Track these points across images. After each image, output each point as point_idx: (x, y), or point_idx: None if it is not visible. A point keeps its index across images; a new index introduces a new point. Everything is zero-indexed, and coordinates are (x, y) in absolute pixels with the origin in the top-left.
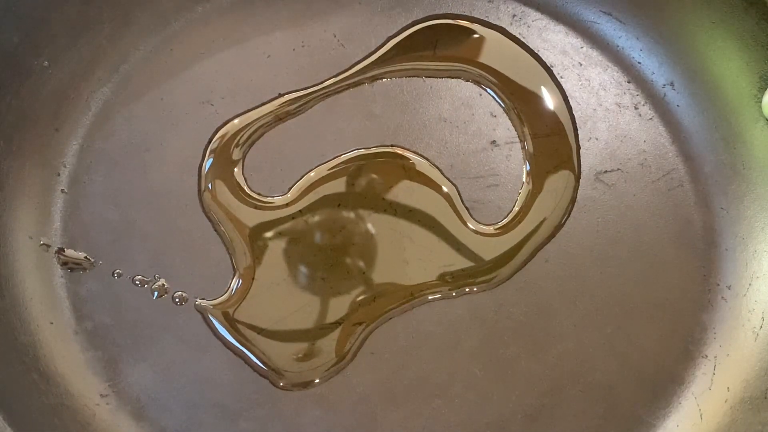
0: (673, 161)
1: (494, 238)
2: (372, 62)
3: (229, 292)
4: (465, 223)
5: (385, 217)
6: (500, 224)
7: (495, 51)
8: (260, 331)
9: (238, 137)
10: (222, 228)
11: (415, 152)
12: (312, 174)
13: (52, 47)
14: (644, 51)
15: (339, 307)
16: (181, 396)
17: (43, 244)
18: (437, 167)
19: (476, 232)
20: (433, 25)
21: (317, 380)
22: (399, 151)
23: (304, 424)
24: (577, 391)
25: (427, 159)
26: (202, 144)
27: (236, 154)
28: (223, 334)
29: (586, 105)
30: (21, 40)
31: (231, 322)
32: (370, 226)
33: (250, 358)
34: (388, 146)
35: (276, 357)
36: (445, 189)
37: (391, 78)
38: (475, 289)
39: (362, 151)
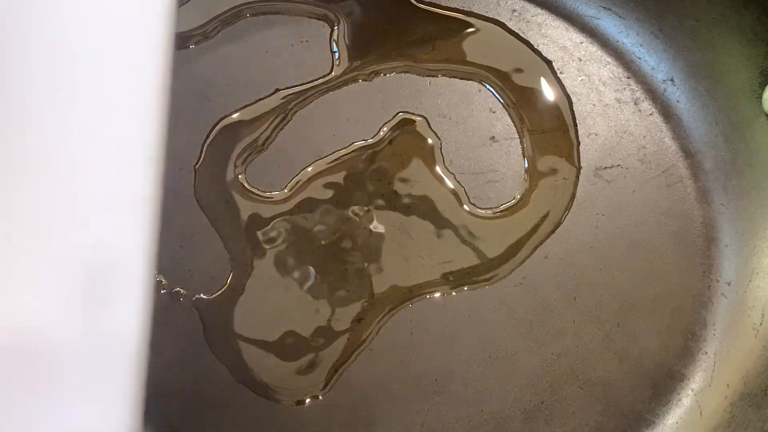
0: (673, 157)
1: (494, 230)
2: (371, 58)
3: (226, 287)
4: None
5: (384, 213)
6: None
7: (494, 46)
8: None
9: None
10: (219, 224)
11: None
12: (309, 169)
13: None
14: (644, 46)
15: (339, 304)
16: (179, 393)
17: None
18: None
19: (473, 214)
20: (431, 17)
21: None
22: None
23: (303, 421)
24: (576, 387)
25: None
26: (200, 139)
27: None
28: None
29: (586, 101)
30: None
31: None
32: (369, 222)
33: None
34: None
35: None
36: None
37: (389, 74)
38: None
39: (360, 143)
